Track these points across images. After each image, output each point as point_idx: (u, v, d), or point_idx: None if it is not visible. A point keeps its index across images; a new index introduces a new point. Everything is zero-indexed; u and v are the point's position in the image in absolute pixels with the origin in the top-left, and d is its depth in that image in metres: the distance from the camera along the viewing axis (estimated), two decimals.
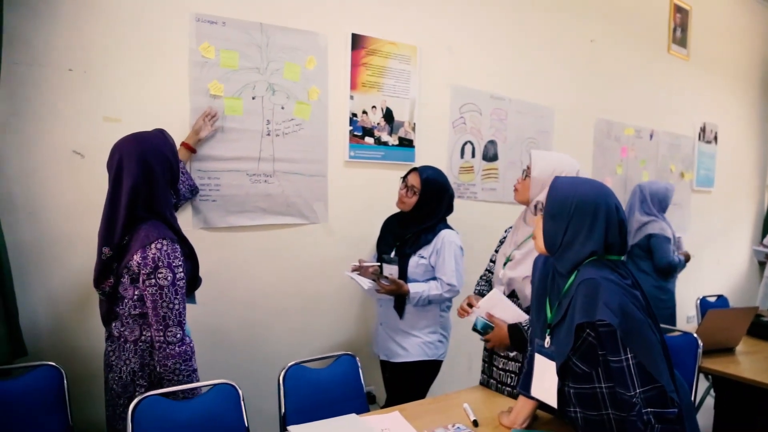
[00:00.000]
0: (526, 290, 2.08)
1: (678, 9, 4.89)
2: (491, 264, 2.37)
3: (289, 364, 2.13)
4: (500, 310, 2.10)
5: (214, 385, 1.89)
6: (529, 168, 2.09)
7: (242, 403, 1.89)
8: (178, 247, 1.80)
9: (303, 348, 2.76)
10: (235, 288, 2.58)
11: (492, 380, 2.24)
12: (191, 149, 2.37)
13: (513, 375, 2.17)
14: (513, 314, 2.09)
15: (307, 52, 2.69)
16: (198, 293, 2.06)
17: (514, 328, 2.05)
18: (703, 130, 5.34)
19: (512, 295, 2.15)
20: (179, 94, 2.36)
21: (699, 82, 5.21)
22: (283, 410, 2.06)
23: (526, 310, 2.09)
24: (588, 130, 4.20)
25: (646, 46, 4.65)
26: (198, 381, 1.85)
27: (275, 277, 2.69)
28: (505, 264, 2.17)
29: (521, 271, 2.10)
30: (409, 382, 2.54)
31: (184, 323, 1.80)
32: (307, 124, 2.71)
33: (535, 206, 2.08)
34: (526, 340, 2.01)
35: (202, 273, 2.02)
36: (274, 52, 2.58)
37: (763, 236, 5.77)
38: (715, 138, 5.50)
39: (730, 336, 2.87)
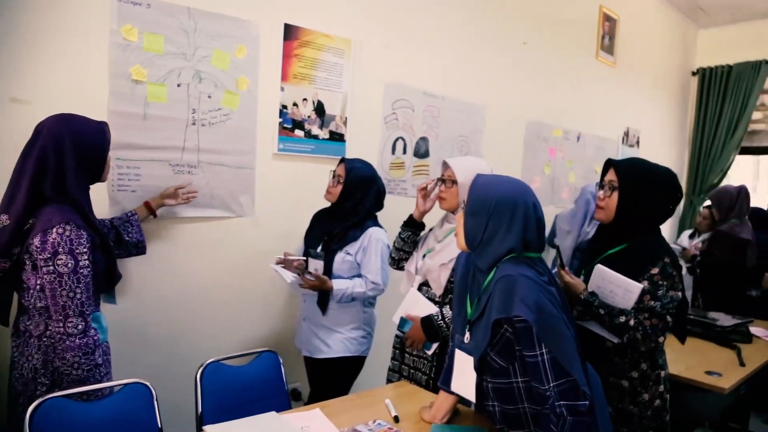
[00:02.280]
0: (441, 278, 2.18)
1: (607, 18, 5.07)
2: None
3: (207, 362, 2.07)
4: (418, 309, 2.21)
5: (125, 384, 1.81)
6: (449, 178, 2.18)
7: (155, 402, 1.82)
8: (84, 233, 1.71)
9: (226, 344, 2.68)
10: (154, 282, 2.47)
11: (404, 366, 2.32)
12: (152, 211, 2.32)
13: (426, 361, 2.24)
14: (430, 311, 2.19)
15: (237, 40, 2.61)
16: (115, 289, 1.98)
17: (426, 320, 2.16)
18: (626, 134, 5.57)
19: (425, 284, 2.27)
20: (98, 76, 2.23)
21: (624, 88, 5.43)
22: (200, 410, 2.00)
23: (439, 299, 2.22)
24: (518, 130, 4.29)
25: (576, 52, 4.80)
26: (103, 377, 1.77)
27: (198, 271, 2.61)
28: (424, 256, 2.27)
29: (438, 259, 2.20)
30: (332, 378, 2.52)
31: (88, 314, 1.71)
32: (234, 115, 2.64)
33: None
34: (437, 330, 2.08)
35: (120, 266, 1.93)
36: (202, 39, 2.49)
37: (678, 237, 6.08)
38: (638, 142, 5.75)
39: None
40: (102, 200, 2.27)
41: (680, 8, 6.02)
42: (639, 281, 1.85)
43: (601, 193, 1.99)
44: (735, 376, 2.54)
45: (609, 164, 2.00)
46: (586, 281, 1.99)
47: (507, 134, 4.17)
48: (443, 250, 2.20)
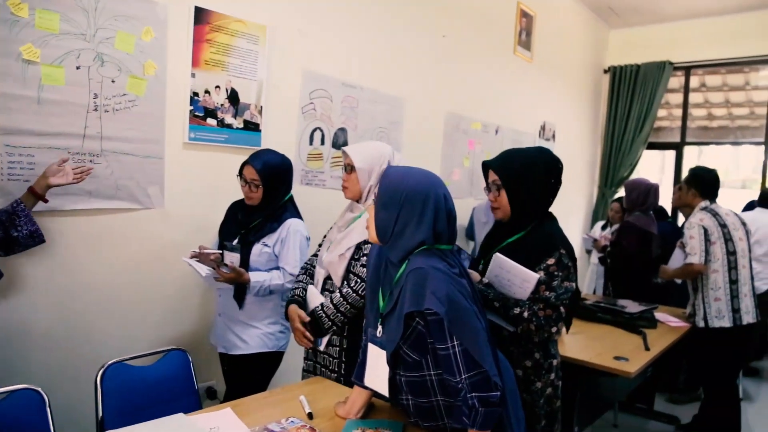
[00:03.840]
0: (339, 270, 2.11)
1: (524, 14, 5.20)
2: (313, 258, 2.35)
3: (108, 363, 1.94)
4: (312, 305, 2.13)
5: (12, 391, 1.66)
6: (348, 164, 2.10)
7: (48, 409, 1.68)
8: None
9: (135, 344, 2.53)
10: (51, 280, 2.30)
11: (317, 365, 2.24)
12: (40, 197, 2.04)
13: (332, 358, 2.18)
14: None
15: (143, 22, 2.46)
16: (2, 287, 1.81)
17: (310, 314, 2.10)
18: (543, 128, 5.74)
19: (329, 278, 2.18)
20: None
21: (540, 84, 5.59)
22: (100, 414, 1.88)
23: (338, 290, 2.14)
24: (438, 123, 4.32)
25: (494, 46, 4.88)
26: None
27: (101, 267, 2.45)
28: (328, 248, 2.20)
29: (337, 251, 2.13)
30: (249, 375, 2.44)
31: None
32: (141, 101, 2.49)
33: (369, 191, 2.09)
34: (320, 325, 2.06)
35: (8, 263, 1.77)
36: (104, 19, 2.34)
37: (591, 228, 6.35)
38: (554, 136, 5.94)
39: None
40: None
41: (593, 8, 6.28)
42: (535, 271, 1.86)
43: (490, 195, 2.00)
44: (640, 360, 2.66)
45: (486, 166, 2.02)
46: (486, 272, 1.99)
47: (426, 126, 4.19)
48: (342, 241, 2.13)
